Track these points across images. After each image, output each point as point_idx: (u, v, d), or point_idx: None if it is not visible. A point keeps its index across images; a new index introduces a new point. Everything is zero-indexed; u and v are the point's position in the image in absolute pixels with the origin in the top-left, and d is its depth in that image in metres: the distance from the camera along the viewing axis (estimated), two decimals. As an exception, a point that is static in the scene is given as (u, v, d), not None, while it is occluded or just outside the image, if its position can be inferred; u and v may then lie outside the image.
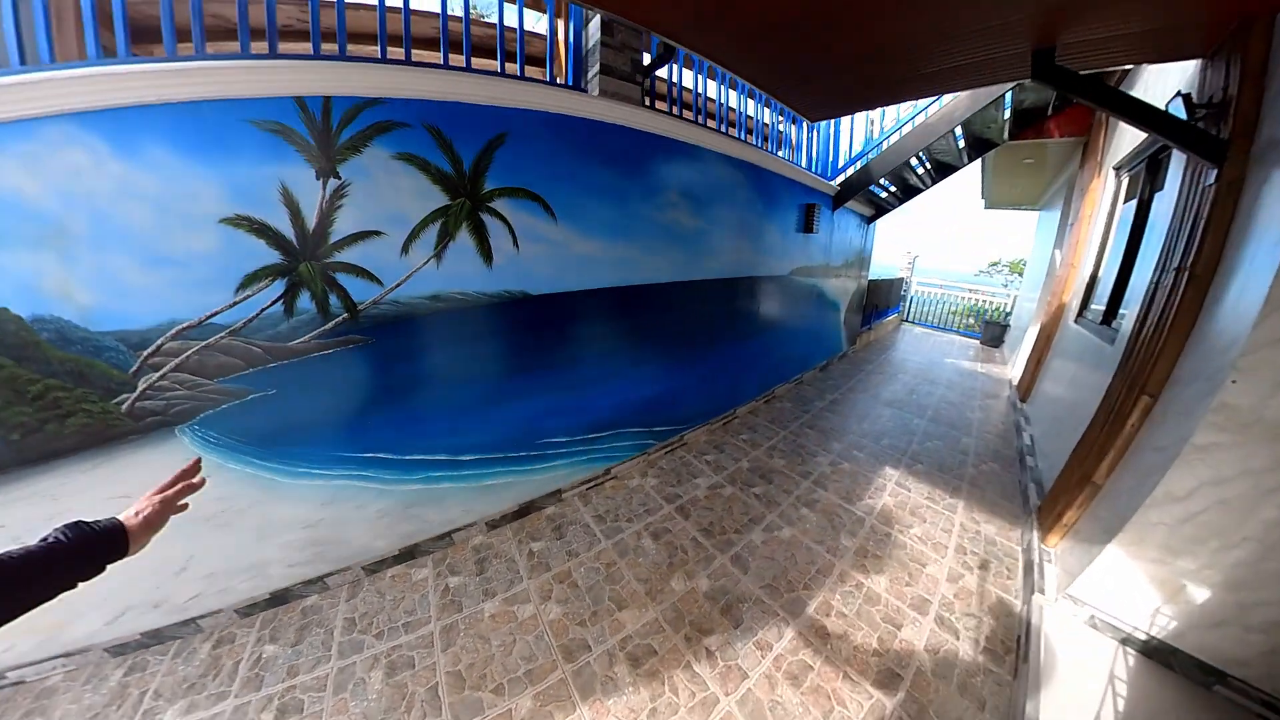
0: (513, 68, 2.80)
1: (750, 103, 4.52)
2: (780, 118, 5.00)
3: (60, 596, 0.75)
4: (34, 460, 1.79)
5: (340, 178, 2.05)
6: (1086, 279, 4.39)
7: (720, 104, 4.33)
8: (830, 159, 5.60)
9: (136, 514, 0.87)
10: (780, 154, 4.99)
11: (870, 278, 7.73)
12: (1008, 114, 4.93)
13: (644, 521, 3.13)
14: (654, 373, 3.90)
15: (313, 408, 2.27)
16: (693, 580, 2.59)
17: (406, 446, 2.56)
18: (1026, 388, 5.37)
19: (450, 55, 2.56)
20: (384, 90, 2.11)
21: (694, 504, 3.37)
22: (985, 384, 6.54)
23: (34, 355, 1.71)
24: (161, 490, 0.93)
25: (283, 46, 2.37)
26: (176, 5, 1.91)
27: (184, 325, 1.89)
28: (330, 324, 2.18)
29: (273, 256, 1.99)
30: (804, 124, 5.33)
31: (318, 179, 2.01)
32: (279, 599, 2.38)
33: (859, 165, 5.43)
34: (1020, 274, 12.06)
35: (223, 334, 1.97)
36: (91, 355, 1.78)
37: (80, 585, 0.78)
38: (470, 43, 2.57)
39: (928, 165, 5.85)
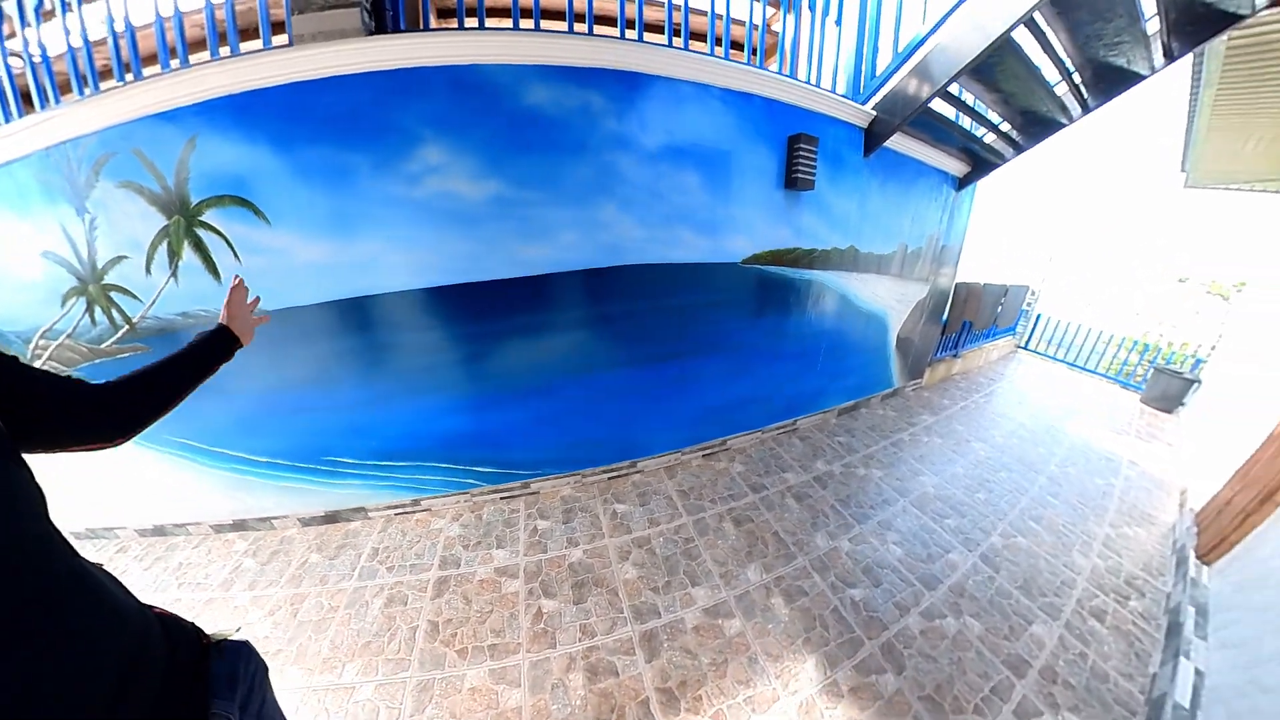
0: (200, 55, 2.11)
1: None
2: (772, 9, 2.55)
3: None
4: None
5: (90, 211, 2.10)
6: None
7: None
8: (863, 64, 2.90)
9: (226, 317, 1.09)
10: (762, 66, 2.56)
11: (960, 280, 4.69)
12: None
13: (398, 578, 2.30)
14: (459, 403, 2.50)
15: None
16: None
17: (209, 439, 2.53)
18: (1220, 536, 2.51)
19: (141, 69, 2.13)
20: (86, 126, 2.00)
21: (461, 583, 2.23)
22: (1131, 487, 3.54)
23: (-17, 348, 2.37)
24: (228, 300, 1.12)
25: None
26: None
27: (42, 329, 2.32)
28: (119, 333, 2.31)
29: (73, 280, 2.22)
30: (807, 8, 2.72)
31: (78, 215, 2.10)
32: (159, 531, 2.75)
33: (915, 61, 2.64)
34: (1226, 299, 7.52)
35: (63, 337, 2.34)
36: (7, 344, 2.36)
37: (220, 368, 1.01)
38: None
39: (1075, 73, 2.85)
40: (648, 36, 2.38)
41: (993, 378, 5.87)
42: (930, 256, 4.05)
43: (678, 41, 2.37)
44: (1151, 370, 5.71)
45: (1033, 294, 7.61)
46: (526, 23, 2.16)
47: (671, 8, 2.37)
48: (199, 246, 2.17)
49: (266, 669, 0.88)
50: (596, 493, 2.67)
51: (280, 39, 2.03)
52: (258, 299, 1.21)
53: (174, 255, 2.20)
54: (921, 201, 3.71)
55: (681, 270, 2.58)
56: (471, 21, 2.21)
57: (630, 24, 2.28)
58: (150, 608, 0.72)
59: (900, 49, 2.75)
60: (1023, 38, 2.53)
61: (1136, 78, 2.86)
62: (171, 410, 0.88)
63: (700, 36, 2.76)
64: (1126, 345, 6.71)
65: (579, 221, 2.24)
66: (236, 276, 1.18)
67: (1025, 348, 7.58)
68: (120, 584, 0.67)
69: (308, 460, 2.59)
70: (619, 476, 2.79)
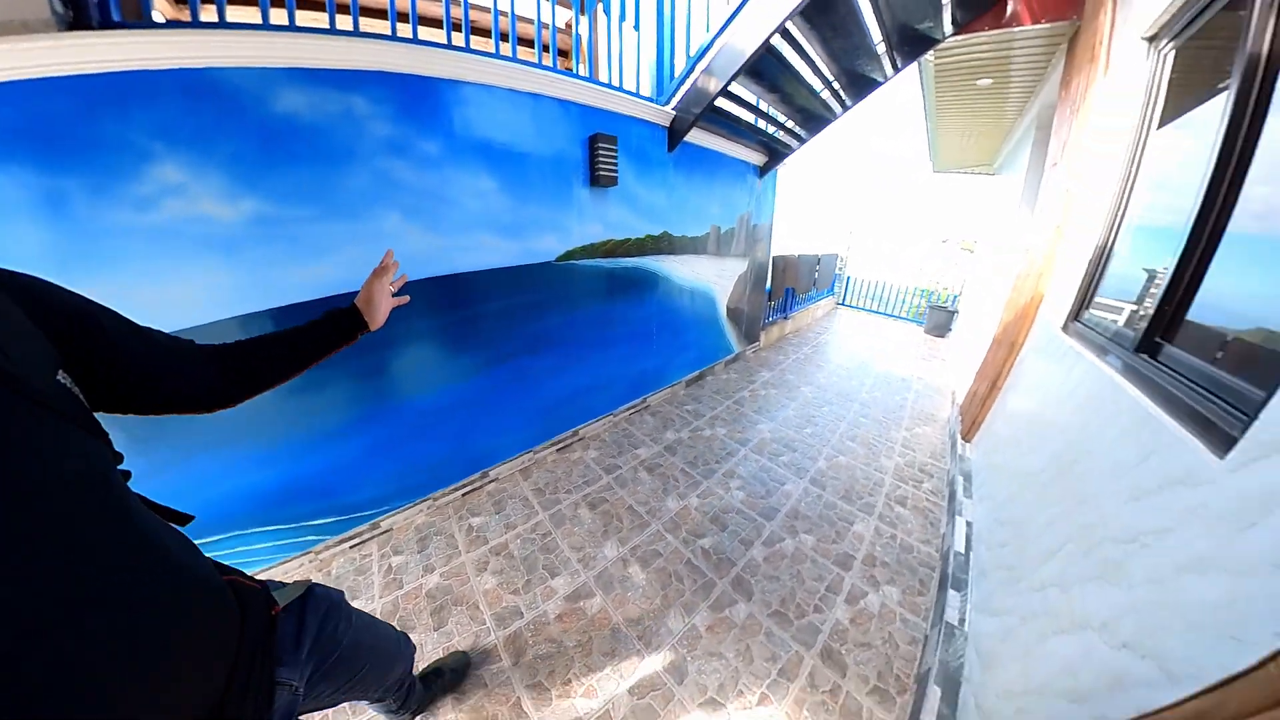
0: None
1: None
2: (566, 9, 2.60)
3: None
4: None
5: None
6: (1093, 254, 2.05)
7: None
8: (664, 67, 3.13)
9: (360, 298, 0.99)
10: (565, 69, 2.59)
11: (776, 253, 5.26)
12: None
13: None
14: (270, 451, 2.06)
15: None
16: None
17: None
18: (974, 418, 3.08)
19: None
20: None
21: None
22: (920, 397, 4.25)
23: None
24: (369, 280, 1.01)
25: None
26: None
27: None
28: None
29: None
30: (601, 11, 2.86)
31: None
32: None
33: (704, 64, 2.90)
34: (971, 251, 9.56)
35: None
36: None
37: (345, 348, 0.93)
38: None
39: (832, 79, 3.39)
40: (426, 31, 2.23)
41: (819, 332, 6.69)
42: (744, 235, 4.47)
43: (459, 37, 2.25)
44: (928, 308, 6.98)
45: (842, 260, 8.86)
46: (279, 13, 1.89)
47: (449, 3, 2.25)
48: None
49: (338, 598, 0.86)
50: (451, 512, 2.45)
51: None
52: (404, 277, 1.09)
53: None
54: (727, 188, 4.07)
55: (494, 275, 2.45)
56: (209, 11, 1.85)
57: (403, 17, 2.09)
58: (225, 571, 0.67)
59: (692, 53, 2.97)
60: (790, 52, 2.89)
61: (876, 83, 3.46)
62: (283, 384, 0.83)
63: (485, 32, 2.66)
64: (914, 292, 8.16)
65: (360, 235, 2.00)
66: (389, 252, 1.07)
67: (843, 304, 8.80)
68: (196, 550, 0.62)
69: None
70: (473, 490, 2.59)
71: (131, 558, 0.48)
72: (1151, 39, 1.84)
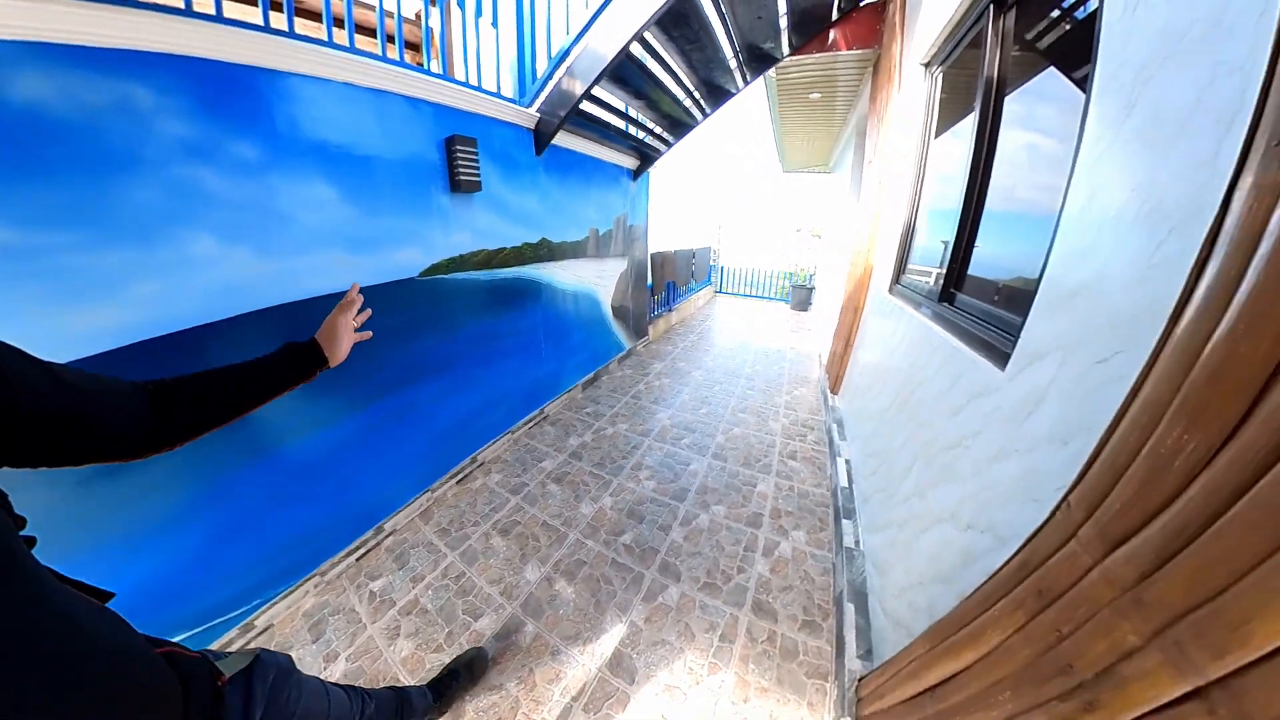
0: None
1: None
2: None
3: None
4: None
5: None
6: (901, 232, 2.53)
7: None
8: (526, 69, 3.08)
9: (321, 332, 0.93)
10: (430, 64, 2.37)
11: (654, 250, 5.52)
12: (783, 12, 2.87)
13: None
14: (86, 555, 1.55)
15: None
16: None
17: None
18: (836, 375, 3.58)
19: None
20: None
21: None
22: (794, 364, 4.81)
23: None
24: (332, 314, 0.95)
25: None
26: None
27: None
28: None
29: None
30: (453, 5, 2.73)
31: None
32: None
33: (563, 70, 2.89)
34: (820, 237, 11.14)
35: None
36: None
37: (300, 386, 0.88)
38: None
39: (692, 88, 3.65)
40: (235, 9, 1.82)
41: (703, 320, 7.19)
42: (621, 236, 4.60)
43: (279, 19, 1.87)
44: (792, 288, 7.93)
45: (715, 253, 9.63)
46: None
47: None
48: None
49: (287, 664, 0.80)
50: (346, 583, 2.12)
51: None
52: (368, 313, 1.03)
53: None
54: (603, 191, 4.13)
55: (369, 293, 2.12)
56: None
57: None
58: (160, 644, 0.60)
59: (553, 54, 2.91)
60: (652, 62, 3.01)
61: (730, 93, 3.80)
62: (230, 423, 0.76)
63: (315, 15, 2.28)
64: (779, 275, 9.19)
65: (157, 264, 1.56)
66: (354, 286, 1.01)
67: (721, 292, 9.58)
68: (125, 625, 0.55)
69: None
70: (369, 550, 2.27)
71: (46, 638, 0.43)
72: (926, 65, 2.32)
